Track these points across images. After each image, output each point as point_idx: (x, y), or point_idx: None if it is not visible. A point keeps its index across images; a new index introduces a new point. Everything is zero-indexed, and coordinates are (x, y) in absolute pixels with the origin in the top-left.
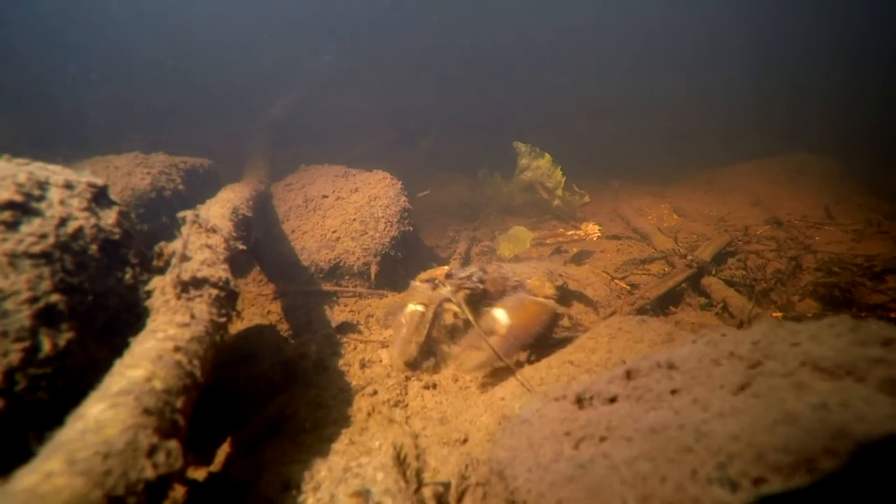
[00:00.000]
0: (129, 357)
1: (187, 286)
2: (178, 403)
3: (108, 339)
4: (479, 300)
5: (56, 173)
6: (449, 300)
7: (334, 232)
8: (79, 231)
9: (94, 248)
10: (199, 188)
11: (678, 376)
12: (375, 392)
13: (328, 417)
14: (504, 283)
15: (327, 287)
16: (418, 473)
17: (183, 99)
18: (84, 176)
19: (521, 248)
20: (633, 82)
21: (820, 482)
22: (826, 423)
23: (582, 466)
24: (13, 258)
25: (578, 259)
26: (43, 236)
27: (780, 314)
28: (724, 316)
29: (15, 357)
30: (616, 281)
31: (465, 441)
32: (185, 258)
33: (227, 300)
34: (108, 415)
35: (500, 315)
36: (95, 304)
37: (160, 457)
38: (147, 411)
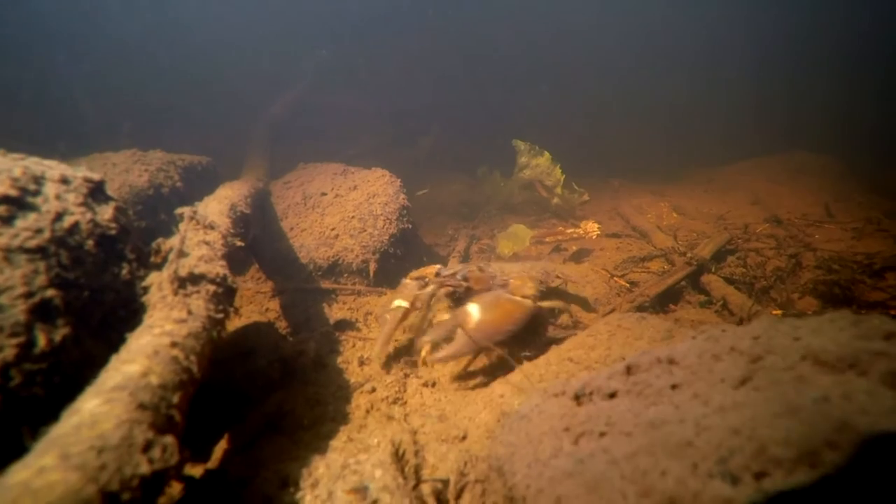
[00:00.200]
0: (124, 352)
1: (184, 282)
2: (175, 399)
3: (104, 335)
4: (463, 298)
5: (52, 168)
6: (437, 298)
7: (333, 229)
8: (75, 226)
9: (90, 243)
10: (198, 185)
11: (678, 371)
12: (374, 389)
13: (326, 415)
14: (490, 282)
15: (326, 285)
16: (417, 470)
17: (181, 97)
18: (80, 171)
19: (521, 246)
20: (633, 82)
21: (823, 478)
22: (828, 416)
23: (581, 462)
24: (8, 253)
25: (578, 257)
26: (38, 231)
27: (779, 312)
28: (724, 313)
29: (10, 352)
30: (615, 279)
31: (464, 438)
32: (182, 254)
33: (225, 296)
34: (103, 410)
35: (472, 309)
36: (91, 299)
37: (156, 452)
38: (142, 406)
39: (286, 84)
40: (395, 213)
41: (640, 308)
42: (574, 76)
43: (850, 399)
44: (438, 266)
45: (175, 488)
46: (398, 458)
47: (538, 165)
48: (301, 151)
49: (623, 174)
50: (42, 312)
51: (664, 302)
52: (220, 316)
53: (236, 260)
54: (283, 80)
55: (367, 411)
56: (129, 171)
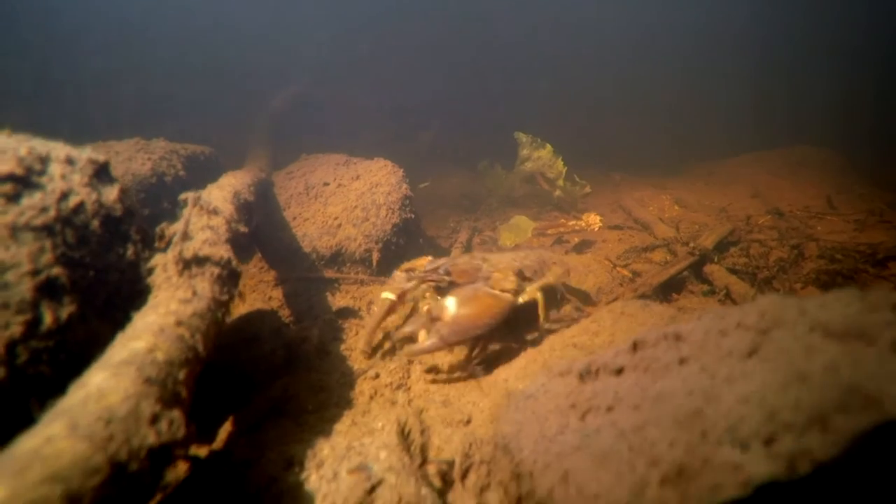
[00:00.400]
0: (130, 330)
1: (189, 264)
2: (181, 375)
3: (109, 315)
4: (447, 292)
5: (57, 149)
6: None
7: (335, 219)
8: (80, 206)
9: (95, 223)
10: (200, 175)
11: (685, 347)
12: (378, 375)
13: (330, 400)
14: (476, 274)
15: (329, 274)
16: (423, 449)
17: (182, 85)
18: (85, 152)
19: (523, 237)
20: (633, 76)
21: (833, 442)
22: (838, 382)
23: (589, 436)
24: (14, 230)
25: (580, 249)
26: (44, 209)
27: None
28: (727, 303)
29: (16, 329)
30: (618, 268)
31: (469, 422)
32: (186, 236)
33: (230, 279)
34: (110, 383)
35: (449, 303)
36: (97, 279)
37: (163, 425)
38: (149, 381)
39: (287, 75)
40: (397, 202)
41: (643, 297)
42: (574, 71)
43: (860, 366)
44: (430, 257)
45: (181, 468)
46: (404, 435)
47: (540, 158)
48: (303, 146)
49: (624, 168)
50: (48, 290)
51: (667, 291)
52: (225, 298)
53: (239, 249)
54: (285, 71)
55: (371, 397)
56: (132, 160)
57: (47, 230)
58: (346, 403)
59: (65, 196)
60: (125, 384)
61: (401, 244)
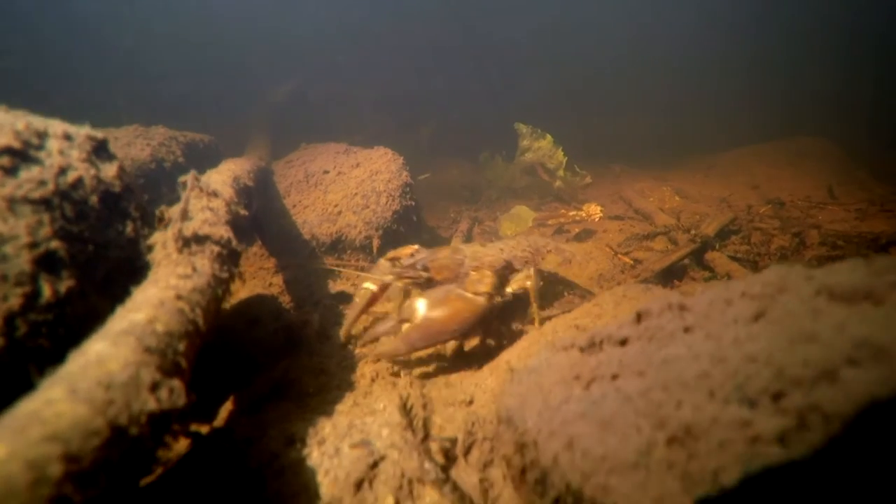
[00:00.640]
0: (130, 303)
1: (189, 242)
2: (181, 346)
3: (108, 291)
4: (425, 287)
5: (55, 125)
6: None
7: (336, 206)
8: (78, 181)
9: (94, 198)
10: (200, 162)
11: (690, 316)
12: (379, 359)
13: (331, 383)
14: (457, 271)
15: (329, 261)
16: (425, 424)
17: (182, 81)
18: (84, 129)
19: (523, 226)
20: (631, 71)
21: (843, 395)
22: (847, 337)
23: (594, 403)
24: (12, 203)
25: (581, 238)
26: (42, 183)
27: None
28: None
29: (15, 301)
30: (619, 256)
31: (471, 402)
32: (185, 214)
33: (230, 258)
34: (109, 351)
35: (419, 305)
36: (96, 254)
37: (163, 392)
38: (149, 350)
39: (287, 69)
40: (398, 189)
41: (645, 283)
42: (573, 65)
43: (869, 322)
44: (416, 246)
45: (181, 444)
46: (406, 412)
47: (540, 148)
48: (302, 139)
49: (624, 160)
50: (47, 263)
51: (668, 278)
52: (225, 276)
53: (239, 234)
54: (286, 65)
55: (373, 379)
56: (130, 145)
57: (45, 204)
58: (347, 386)
59: (63, 171)
60: (125, 352)
61: (401, 231)
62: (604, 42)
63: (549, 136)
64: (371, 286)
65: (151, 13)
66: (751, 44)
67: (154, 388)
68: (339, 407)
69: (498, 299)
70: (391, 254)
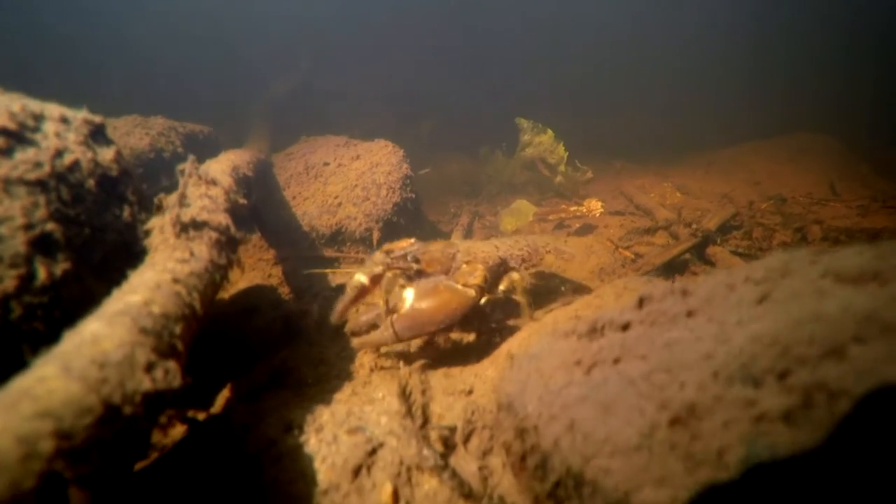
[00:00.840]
0: (126, 286)
1: (187, 227)
2: (177, 329)
3: (105, 275)
4: (415, 279)
5: (51, 108)
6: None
7: (336, 198)
8: (75, 164)
9: (90, 182)
10: (199, 153)
11: (692, 300)
12: (378, 349)
13: (330, 373)
14: (448, 264)
15: (329, 253)
16: (424, 410)
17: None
18: (81, 112)
19: (524, 221)
20: (631, 68)
21: (851, 371)
22: (854, 314)
23: (596, 387)
24: (7, 184)
25: (581, 233)
26: (38, 164)
27: None
28: None
29: (10, 283)
30: (620, 250)
31: (470, 392)
32: (183, 197)
33: (228, 245)
34: (104, 331)
35: (407, 294)
36: (92, 238)
37: (158, 373)
38: (144, 331)
39: (288, 64)
40: (398, 181)
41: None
42: (573, 62)
43: (876, 300)
44: (412, 240)
45: (178, 430)
46: (405, 397)
47: (541, 143)
48: (303, 134)
49: (624, 157)
50: (42, 245)
51: (669, 272)
52: (223, 262)
53: (238, 224)
54: (286, 60)
55: (372, 370)
56: (129, 135)
57: (41, 185)
58: (346, 376)
59: (59, 153)
60: (120, 332)
61: (401, 224)
62: (605, 40)
63: (549, 131)
64: (362, 278)
65: (153, 7)
66: (751, 42)
67: (149, 368)
68: (338, 396)
69: (488, 295)
70: (387, 246)
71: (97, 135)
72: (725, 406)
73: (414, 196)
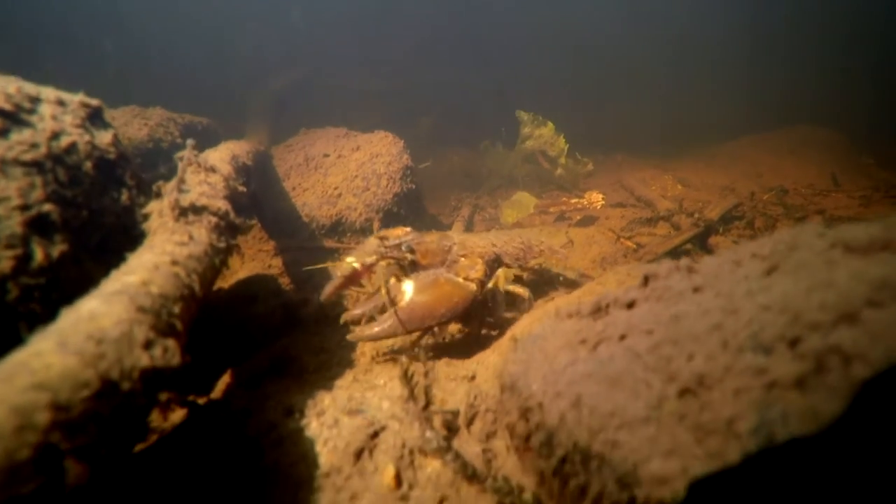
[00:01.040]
0: (125, 267)
1: (186, 211)
2: (175, 309)
3: (103, 258)
4: (409, 270)
5: (47, 91)
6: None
7: (336, 188)
8: (72, 146)
9: (88, 164)
10: (198, 144)
11: (699, 277)
12: (376, 342)
13: (331, 360)
14: (443, 257)
15: (329, 243)
16: (427, 392)
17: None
18: (77, 95)
19: (525, 213)
20: (631, 62)
21: (864, 335)
22: (866, 281)
23: (601, 363)
24: (3, 164)
25: (583, 225)
26: (34, 146)
27: None
28: None
29: (6, 264)
30: (622, 240)
31: (473, 378)
32: (182, 182)
33: (227, 230)
34: (102, 309)
35: (407, 287)
36: (90, 220)
37: (157, 350)
38: (142, 309)
39: (288, 60)
40: (398, 172)
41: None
42: (574, 56)
43: (887, 265)
44: (408, 229)
45: (177, 414)
46: (407, 379)
47: (541, 136)
48: (301, 129)
49: (625, 150)
50: (39, 226)
51: None
52: (223, 245)
53: (238, 212)
54: (286, 56)
55: (373, 358)
56: (128, 125)
57: (37, 166)
58: (347, 363)
59: (56, 135)
60: (117, 309)
61: (402, 214)
62: (605, 35)
63: (550, 124)
64: (354, 263)
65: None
66: (751, 35)
67: (148, 345)
68: (339, 382)
69: (487, 288)
70: (381, 233)
71: (94, 118)
72: (735, 375)
73: (414, 187)
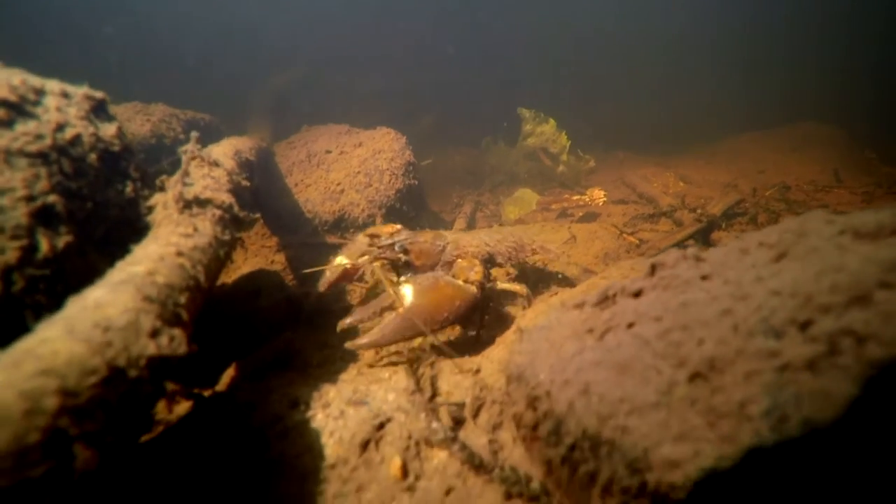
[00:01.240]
0: (130, 258)
1: (190, 204)
2: (181, 299)
3: (108, 251)
4: (402, 271)
5: (51, 83)
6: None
7: (338, 184)
8: (77, 138)
9: (92, 156)
10: (201, 140)
11: (706, 266)
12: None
13: (335, 355)
14: (436, 257)
15: (331, 239)
16: (433, 382)
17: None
18: (82, 88)
19: (527, 209)
20: (631, 61)
21: (877, 315)
22: (877, 262)
23: (609, 351)
24: (8, 155)
25: (585, 221)
26: (39, 136)
27: None
28: None
29: (12, 255)
30: (625, 235)
31: (478, 371)
32: (186, 175)
33: (232, 223)
34: (108, 298)
35: (406, 292)
36: (95, 212)
37: (163, 339)
38: (149, 299)
39: (290, 59)
40: (401, 168)
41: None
42: (574, 55)
43: None
44: (398, 226)
45: (182, 406)
46: (413, 371)
47: (543, 133)
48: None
49: (626, 148)
50: (44, 217)
51: None
52: (227, 238)
53: (241, 205)
54: (288, 54)
55: (377, 352)
56: (130, 121)
57: (42, 158)
58: (350, 358)
59: (60, 127)
60: (124, 299)
61: (404, 210)
62: (606, 32)
63: (552, 121)
64: (344, 261)
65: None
66: (751, 33)
67: (154, 334)
68: (344, 376)
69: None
70: (371, 230)
71: (99, 110)
72: (747, 359)
73: (417, 183)
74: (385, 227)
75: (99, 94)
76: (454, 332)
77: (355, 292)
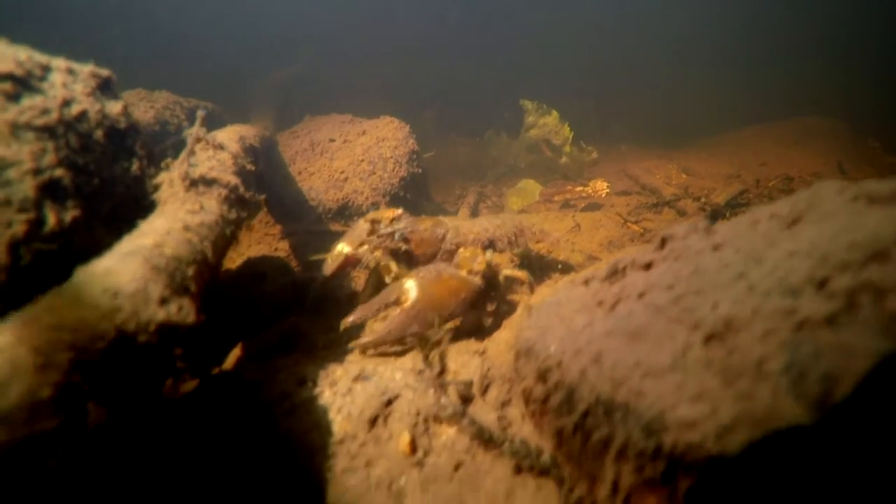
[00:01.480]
0: (137, 231)
1: (196, 183)
2: (189, 271)
3: (115, 226)
4: (402, 260)
5: (57, 60)
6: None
7: (342, 173)
8: (83, 114)
9: (99, 132)
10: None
11: (718, 237)
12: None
13: (341, 339)
14: (437, 246)
15: (335, 227)
16: (441, 358)
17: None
18: (87, 66)
19: (530, 200)
20: (634, 54)
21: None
22: (895, 221)
23: (621, 319)
24: (15, 128)
25: (588, 211)
26: (46, 111)
27: None
28: None
29: (19, 228)
30: (629, 224)
31: (484, 352)
32: (192, 154)
33: (237, 203)
34: (117, 266)
35: (409, 286)
36: (101, 188)
37: (172, 307)
38: (157, 269)
39: (291, 54)
40: (404, 156)
41: None
42: (576, 46)
43: None
44: (399, 210)
45: (189, 384)
46: (420, 347)
47: (546, 125)
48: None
49: (629, 140)
50: (51, 191)
51: None
52: (233, 217)
53: (247, 187)
54: (289, 50)
55: None
56: (134, 107)
57: (49, 132)
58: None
59: (67, 103)
60: (132, 267)
61: (408, 198)
62: (609, 25)
63: (554, 112)
64: (346, 248)
65: None
66: (753, 27)
67: (163, 302)
68: (350, 357)
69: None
70: (371, 215)
71: (105, 88)
72: (763, 318)
73: (420, 171)
74: (386, 212)
75: (105, 72)
76: (458, 321)
77: (360, 278)
